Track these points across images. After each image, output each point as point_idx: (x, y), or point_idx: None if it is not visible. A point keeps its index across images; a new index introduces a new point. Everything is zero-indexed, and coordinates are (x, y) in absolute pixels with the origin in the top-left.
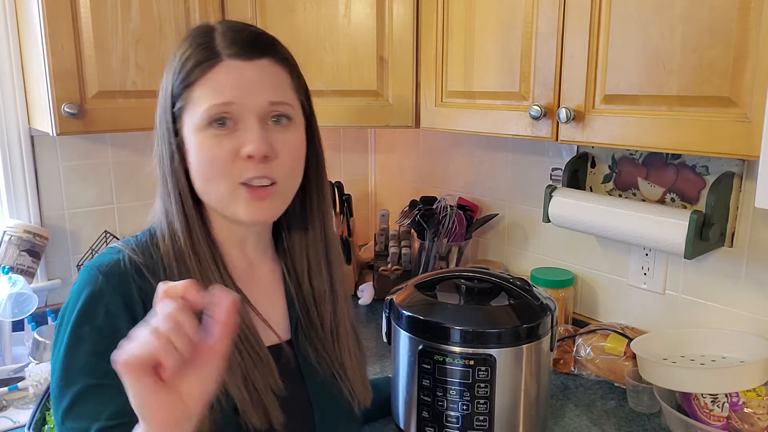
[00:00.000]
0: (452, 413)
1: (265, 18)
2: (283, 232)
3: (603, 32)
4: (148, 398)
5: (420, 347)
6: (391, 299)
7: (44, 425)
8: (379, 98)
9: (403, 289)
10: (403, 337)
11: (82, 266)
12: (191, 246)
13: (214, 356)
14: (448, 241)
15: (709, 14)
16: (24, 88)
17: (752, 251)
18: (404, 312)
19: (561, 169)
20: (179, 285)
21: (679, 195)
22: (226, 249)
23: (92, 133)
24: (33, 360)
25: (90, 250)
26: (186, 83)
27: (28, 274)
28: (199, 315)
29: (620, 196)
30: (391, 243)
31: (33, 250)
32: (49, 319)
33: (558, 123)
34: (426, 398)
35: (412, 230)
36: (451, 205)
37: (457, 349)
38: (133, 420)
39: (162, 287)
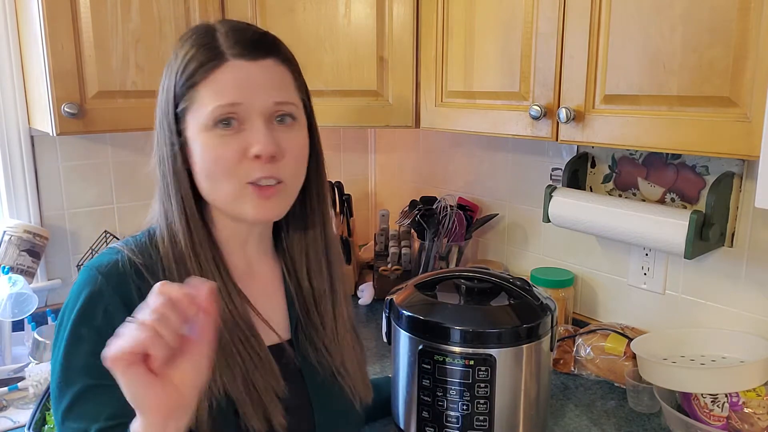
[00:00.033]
0: (452, 413)
1: (265, 18)
2: (282, 232)
3: (603, 32)
4: (141, 390)
5: (420, 347)
6: (391, 299)
7: (44, 425)
8: (379, 98)
9: (403, 289)
10: (403, 337)
11: (82, 266)
12: (192, 248)
13: (202, 344)
14: (448, 241)
15: (709, 14)
16: (24, 88)
17: (752, 251)
18: (404, 312)
19: (561, 169)
20: (176, 287)
21: (679, 195)
22: (227, 249)
23: (92, 133)
24: (33, 360)
25: (90, 250)
26: (190, 84)
27: (28, 274)
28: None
29: (620, 196)
30: (391, 243)
31: (33, 250)
32: (49, 319)
33: (558, 123)
34: (426, 398)
35: (412, 230)
36: (451, 205)
37: (457, 349)
38: (131, 420)
39: (158, 285)
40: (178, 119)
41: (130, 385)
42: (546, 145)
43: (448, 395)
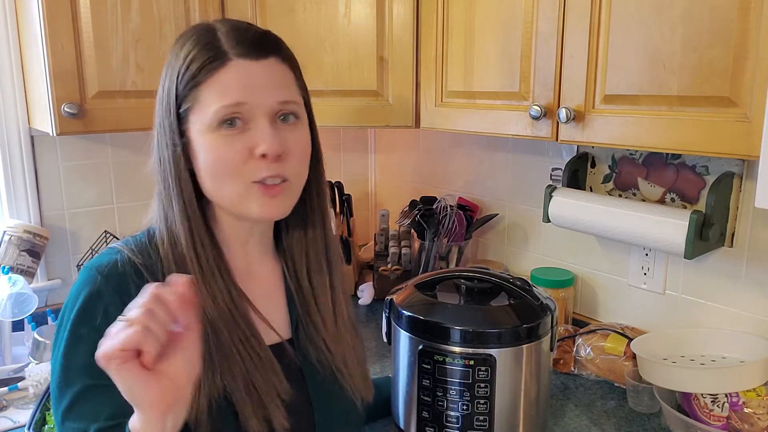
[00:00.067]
0: (452, 413)
1: (265, 18)
2: (283, 232)
3: (603, 32)
4: (138, 387)
5: (420, 347)
6: (391, 299)
7: (44, 425)
8: (379, 98)
9: (403, 289)
10: (403, 337)
11: (82, 266)
12: (193, 249)
13: (191, 335)
14: (448, 241)
15: (709, 14)
16: (24, 88)
17: (752, 251)
18: (404, 312)
19: (561, 169)
20: (160, 285)
21: (679, 195)
22: (228, 248)
23: (92, 133)
24: (33, 360)
25: (90, 250)
26: (193, 84)
27: (28, 274)
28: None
29: (620, 196)
30: (391, 243)
31: (33, 250)
32: (49, 319)
33: (558, 123)
34: (426, 398)
35: (412, 230)
36: (451, 205)
37: (457, 349)
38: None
39: (150, 287)
40: (181, 120)
41: (125, 383)
42: (546, 145)
43: (448, 395)
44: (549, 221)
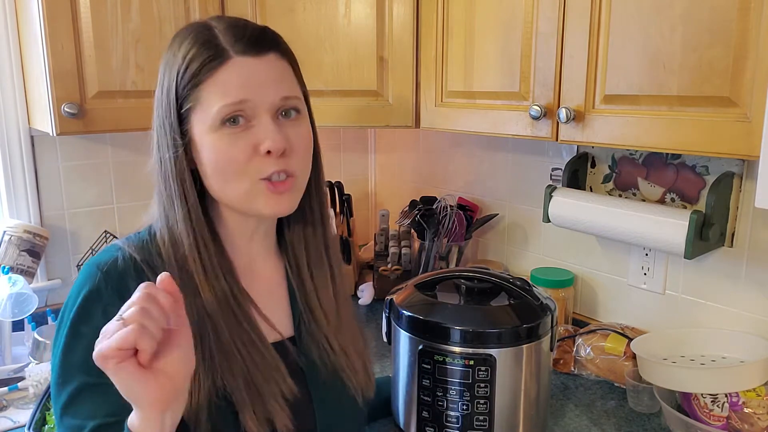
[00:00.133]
0: (452, 413)
1: (265, 18)
2: (285, 228)
3: (603, 32)
4: (136, 386)
5: (420, 347)
6: (391, 299)
7: (44, 425)
8: (379, 98)
9: (403, 289)
10: (403, 337)
11: (82, 266)
12: (196, 249)
13: (183, 331)
14: (448, 241)
15: (709, 14)
16: (24, 88)
17: (752, 251)
18: (404, 312)
19: (561, 169)
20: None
21: (679, 195)
22: (231, 246)
23: (92, 133)
24: (33, 360)
25: (90, 250)
26: (193, 83)
27: (28, 274)
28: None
29: (620, 196)
30: (391, 243)
31: (33, 250)
32: (49, 319)
33: (558, 123)
34: (426, 398)
35: (412, 230)
36: (451, 205)
37: (457, 349)
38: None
39: (142, 286)
40: (182, 120)
41: (123, 382)
42: (546, 145)
43: (448, 395)
44: (549, 221)
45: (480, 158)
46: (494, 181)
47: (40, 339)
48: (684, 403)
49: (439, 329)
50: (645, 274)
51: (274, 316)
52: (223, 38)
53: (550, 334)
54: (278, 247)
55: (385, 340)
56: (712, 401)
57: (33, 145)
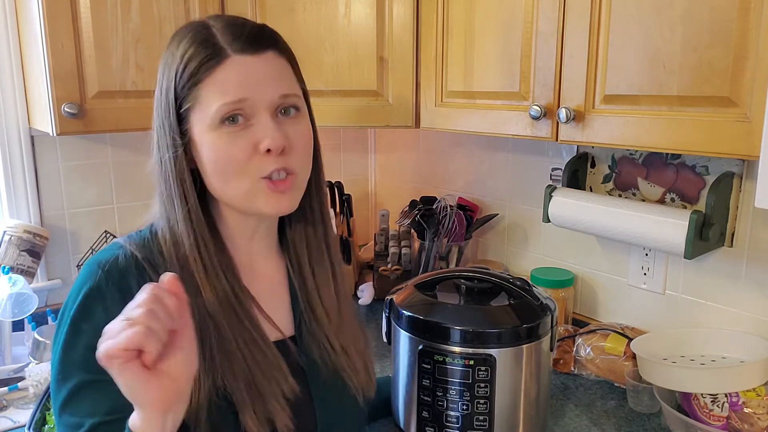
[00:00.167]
0: (452, 413)
1: (264, 18)
2: (286, 226)
3: (603, 32)
4: (139, 387)
5: (420, 347)
6: (391, 299)
7: (44, 425)
8: (379, 98)
9: (403, 289)
10: (403, 337)
11: (82, 266)
12: (197, 249)
13: (186, 333)
14: (448, 241)
15: (709, 14)
16: (24, 88)
17: (752, 251)
18: (404, 312)
19: (561, 169)
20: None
21: (679, 195)
22: (233, 244)
23: (92, 133)
24: (33, 360)
25: (90, 250)
26: (192, 83)
27: (28, 274)
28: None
29: (620, 196)
30: (391, 243)
31: (33, 250)
32: (49, 319)
33: (558, 123)
34: (426, 398)
35: (412, 230)
36: (451, 205)
37: (457, 349)
38: (128, 416)
39: (149, 287)
40: (181, 120)
41: (127, 382)
42: (546, 145)
43: (448, 395)
44: (549, 221)
45: (480, 158)
46: (494, 181)
47: (40, 339)
48: (684, 403)
49: (439, 329)
50: (645, 274)
51: (276, 315)
52: (221, 37)
53: (550, 334)
54: (279, 246)
55: (385, 340)
56: (712, 401)
57: (33, 145)
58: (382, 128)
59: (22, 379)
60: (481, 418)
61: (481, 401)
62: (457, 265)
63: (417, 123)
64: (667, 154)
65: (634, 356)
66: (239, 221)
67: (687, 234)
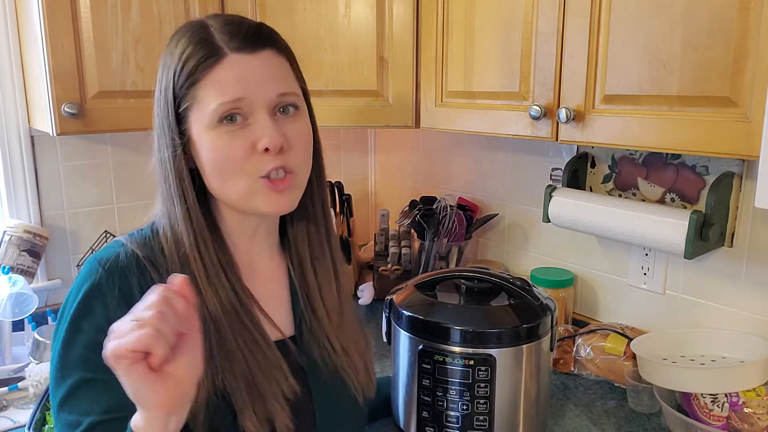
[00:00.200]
0: (452, 413)
1: (264, 18)
2: (288, 226)
3: (603, 32)
4: (145, 388)
5: (420, 347)
6: (391, 299)
7: (44, 425)
8: (379, 98)
9: (403, 289)
10: (403, 337)
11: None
12: (197, 248)
13: (193, 336)
14: (448, 241)
15: (709, 14)
16: (24, 88)
17: (752, 251)
18: (404, 312)
19: (561, 169)
20: (165, 286)
21: (679, 195)
22: (233, 244)
23: (92, 133)
24: (33, 360)
25: (90, 250)
26: (190, 82)
27: (28, 274)
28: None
29: (620, 196)
30: (391, 243)
31: (33, 250)
32: (49, 319)
33: (558, 123)
34: (426, 398)
35: (412, 230)
36: (451, 205)
37: (457, 349)
38: (126, 415)
39: (159, 288)
40: (180, 119)
41: (132, 383)
42: (546, 145)
43: (448, 395)
44: (549, 221)
45: (480, 158)
46: (494, 181)
47: (40, 339)
48: (684, 403)
49: (439, 329)
50: (645, 274)
51: (276, 315)
52: (218, 36)
53: (550, 334)
54: (280, 246)
55: (385, 340)
56: (712, 401)
57: (33, 145)
58: (382, 128)
59: (22, 379)
60: (481, 418)
61: (481, 401)
62: (457, 265)
63: (417, 123)
64: (667, 154)
65: (634, 356)
66: (239, 220)
67: (687, 234)
